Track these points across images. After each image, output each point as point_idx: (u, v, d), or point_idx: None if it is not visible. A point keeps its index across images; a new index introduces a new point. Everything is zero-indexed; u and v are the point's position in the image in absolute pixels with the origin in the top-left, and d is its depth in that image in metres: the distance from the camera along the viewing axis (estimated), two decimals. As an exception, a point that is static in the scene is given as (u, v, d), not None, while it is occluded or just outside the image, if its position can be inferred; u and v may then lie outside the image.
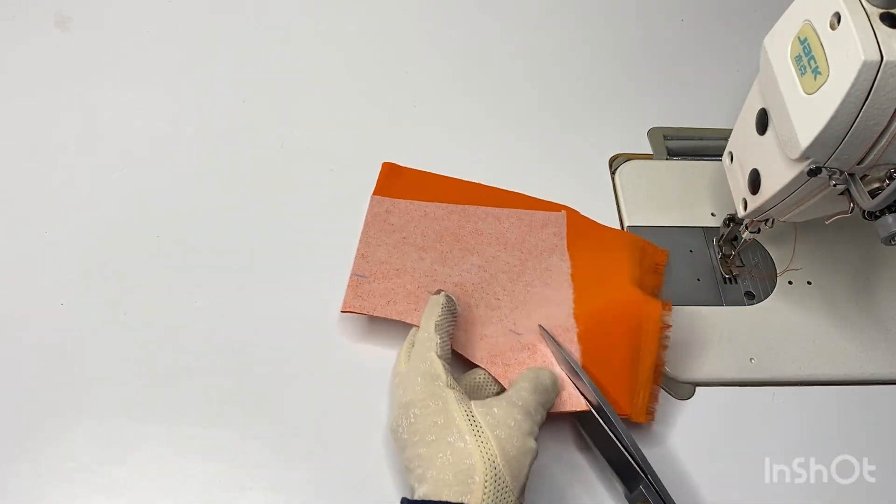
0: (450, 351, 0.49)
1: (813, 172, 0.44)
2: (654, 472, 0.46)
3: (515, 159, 0.64)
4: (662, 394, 0.53)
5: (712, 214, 0.62)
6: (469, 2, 0.74)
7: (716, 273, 0.59)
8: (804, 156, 0.44)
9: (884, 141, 0.42)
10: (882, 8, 0.40)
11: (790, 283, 0.59)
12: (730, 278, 0.59)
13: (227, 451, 0.49)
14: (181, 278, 0.55)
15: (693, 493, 0.49)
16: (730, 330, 0.56)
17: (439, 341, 0.48)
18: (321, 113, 0.66)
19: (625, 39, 0.74)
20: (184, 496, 0.47)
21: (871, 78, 0.39)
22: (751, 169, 0.51)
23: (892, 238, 0.44)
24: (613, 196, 0.63)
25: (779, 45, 0.46)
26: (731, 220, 0.58)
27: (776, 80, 0.46)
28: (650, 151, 0.66)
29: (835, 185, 0.44)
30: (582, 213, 0.61)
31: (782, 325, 0.57)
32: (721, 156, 0.56)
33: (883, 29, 0.39)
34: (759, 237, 0.57)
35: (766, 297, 0.58)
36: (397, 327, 0.53)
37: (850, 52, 0.39)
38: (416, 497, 0.42)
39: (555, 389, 0.49)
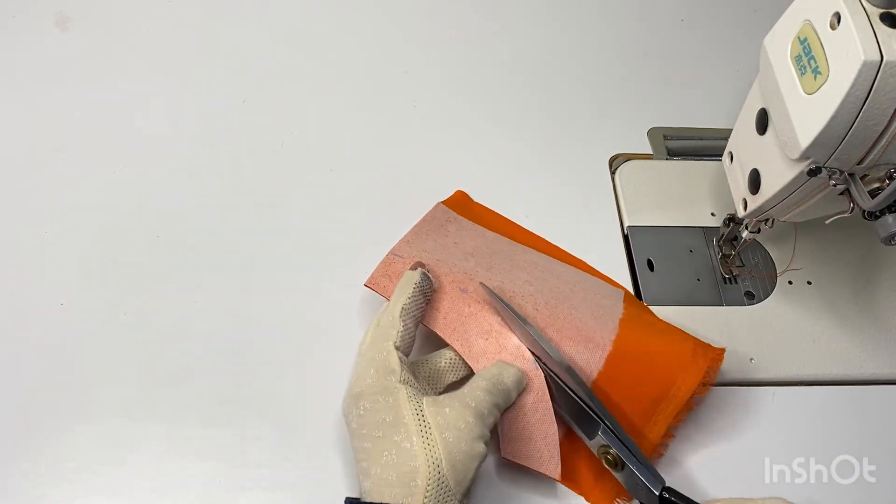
0: (413, 337, 0.48)
1: (813, 172, 0.44)
2: (611, 417, 0.47)
3: (515, 159, 0.64)
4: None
5: (712, 214, 0.62)
6: (469, 2, 0.74)
7: (716, 273, 0.59)
8: (804, 156, 0.44)
9: (884, 141, 0.42)
10: (882, 8, 0.40)
11: (790, 283, 0.59)
12: (730, 278, 0.59)
13: (227, 451, 0.49)
14: (181, 278, 0.55)
15: (693, 492, 0.49)
16: (730, 330, 0.56)
17: (401, 329, 0.46)
18: (321, 113, 0.66)
19: (625, 39, 0.74)
20: (184, 496, 0.47)
21: (871, 78, 0.39)
22: (751, 169, 0.51)
23: (892, 238, 0.44)
24: (613, 196, 0.63)
25: (779, 45, 0.46)
26: (731, 220, 0.58)
27: (776, 80, 0.46)
28: (650, 151, 0.66)
29: (835, 185, 0.44)
30: (582, 213, 0.61)
31: (782, 325, 0.57)
32: (721, 156, 0.56)
33: (883, 29, 0.39)
34: (759, 237, 0.57)
35: (766, 297, 0.58)
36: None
37: (850, 52, 0.39)
38: (360, 493, 0.42)
39: (517, 388, 0.47)
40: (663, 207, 0.62)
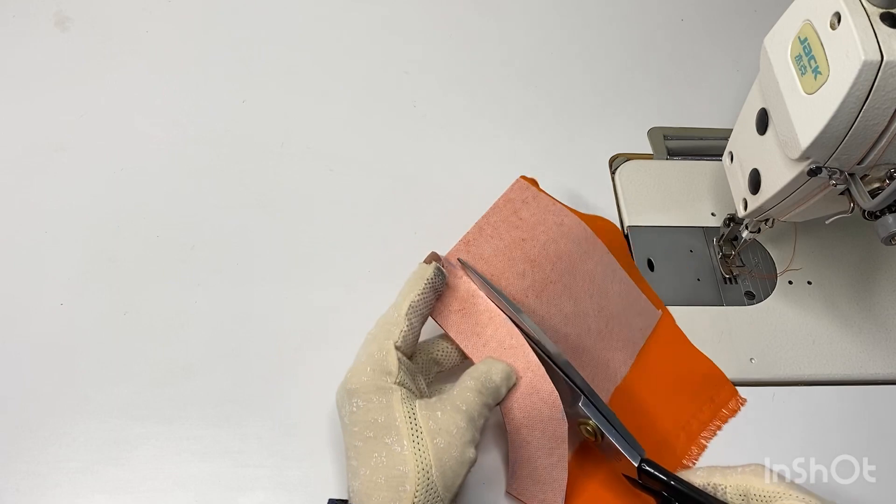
0: (418, 334, 0.47)
1: (813, 172, 0.44)
2: (591, 389, 0.47)
3: (515, 159, 0.64)
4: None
5: (712, 214, 0.62)
6: (469, 2, 0.74)
7: (716, 273, 0.59)
8: (804, 156, 0.44)
9: (884, 141, 0.42)
10: (882, 8, 0.40)
11: (790, 283, 0.59)
12: (730, 278, 0.59)
13: (227, 451, 0.49)
14: (181, 278, 0.55)
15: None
16: (730, 330, 0.56)
17: (405, 329, 0.46)
18: (321, 113, 0.66)
19: (625, 39, 0.74)
20: (184, 496, 0.47)
21: (872, 78, 0.39)
22: (751, 169, 0.51)
23: (892, 238, 0.44)
24: (613, 196, 0.63)
25: (779, 45, 0.46)
26: (731, 219, 0.58)
27: (776, 79, 0.46)
28: (650, 151, 0.66)
29: (835, 185, 0.44)
30: (582, 213, 0.61)
31: (782, 325, 0.57)
32: (721, 156, 0.56)
33: (883, 29, 0.39)
34: (759, 237, 0.57)
35: (766, 297, 0.58)
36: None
37: (851, 52, 0.39)
38: (348, 491, 0.42)
39: (506, 384, 0.47)
40: (663, 207, 0.62)
